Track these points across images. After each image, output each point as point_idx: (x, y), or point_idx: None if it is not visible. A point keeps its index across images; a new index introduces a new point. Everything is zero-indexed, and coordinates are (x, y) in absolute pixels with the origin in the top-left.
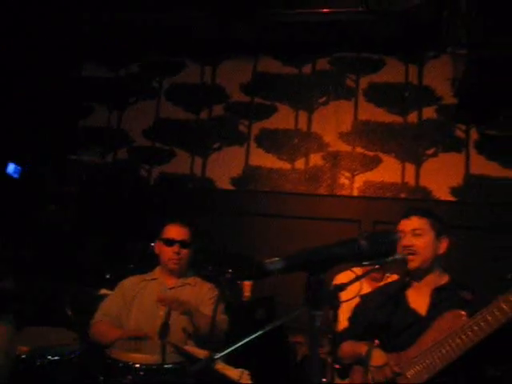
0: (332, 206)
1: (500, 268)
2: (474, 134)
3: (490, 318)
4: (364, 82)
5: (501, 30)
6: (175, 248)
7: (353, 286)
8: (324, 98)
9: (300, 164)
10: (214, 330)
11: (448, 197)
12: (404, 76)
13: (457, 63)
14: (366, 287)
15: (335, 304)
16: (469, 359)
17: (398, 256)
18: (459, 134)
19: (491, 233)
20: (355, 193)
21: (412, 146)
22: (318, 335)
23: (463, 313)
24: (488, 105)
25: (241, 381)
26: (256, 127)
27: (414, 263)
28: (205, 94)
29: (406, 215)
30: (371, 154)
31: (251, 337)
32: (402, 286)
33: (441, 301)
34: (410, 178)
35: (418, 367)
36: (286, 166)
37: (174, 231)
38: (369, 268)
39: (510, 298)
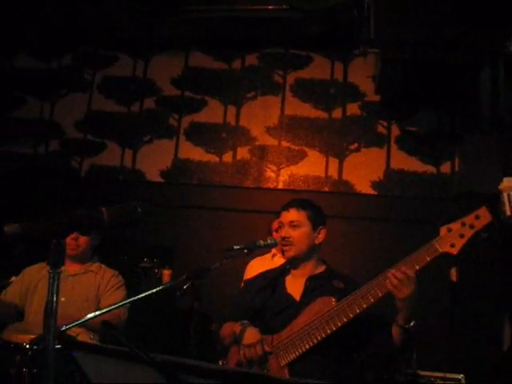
0: (258, 198)
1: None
2: (395, 130)
3: (354, 304)
4: (291, 77)
5: (409, 32)
6: (73, 234)
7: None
8: (252, 93)
9: (228, 157)
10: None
11: (369, 190)
12: (330, 73)
13: (378, 61)
14: None
15: (195, 283)
16: (335, 342)
17: (269, 241)
18: (381, 129)
19: (408, 225)
20: (280, 186)
21: (336, 140)
22: (57, 292)
23: (333, 299)
24: (408, 102)
25: None
26: (186, 121)
27: (289, 253)
28: (136, 87)
29: (286, 207)
30: (296, 148)
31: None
32: (281, 272)
33: (314, 288)
34: (333, 172)
35: (288, 347)
36: (214, 159)
37: None
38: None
39: (374, 286)
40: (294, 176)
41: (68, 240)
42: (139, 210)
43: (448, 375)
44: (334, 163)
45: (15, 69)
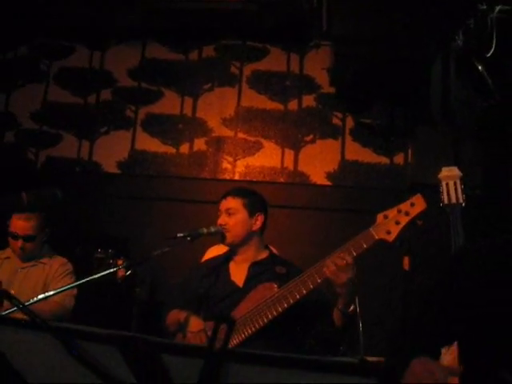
0: (215, 189)
1: None
2: (349, 122)
3: (294, 290)
4: (248, 69)
5: (361, 26)
6: (19, 243)
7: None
8: (209, 85)
9: (184, 148)
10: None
11: (324, 181)
12: (286, 65)
13: (332, 54)
14: None
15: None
16: (279, 326)
17: (212, 229)
18: (336, 121)
19: (362, 215)
20: (237, 177)
21: (292, 132)
22: None
23: (274, 285)
24: (362, 94)
25: None
26: (142, 112)
27: (227, 239)
28: (93, 78)
29: (224, 196)
30: (253, 139)
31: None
32: (225, 260)
33: (257, 274)
34: (288, 163)
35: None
36: (171, 150)
37: (18, 226)
38: None
39: (313, 272)
40: (250, 167)
41: (15, 247)
42: (59, 195)
43: None
44: (289, 154)
45: None
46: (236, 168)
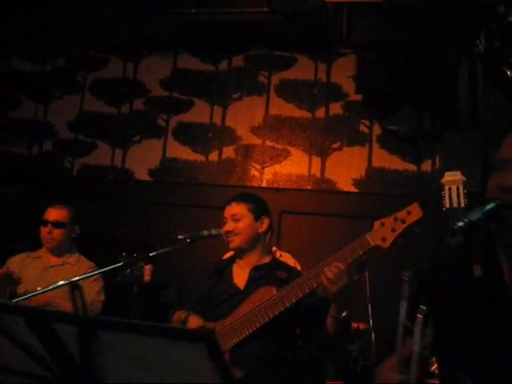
0: None
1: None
2: (376, 129)
3: (291, 294)
4: (275, 78)
5: (382, 33)
6: (47, 228)
7: None
8: (238, 94)
9: (214, 156)
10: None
11: (351, 188)
12: (313, 73)
13: (356, 61)
14: None
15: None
16: (276, 328)
17: (213, 232)
18: (363, 129)
19: None
20: (264, 184)
21: (319, 140)
22: None
23: (274, 288)
24: (388, 101)
25: None
26: (173, 121)
27: (233, 244)
28: (126, 88)
29: (228, 202)
30: (280, 147)
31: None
32: (229, 262)
33: (258, 278)
34: (316, 171)
35: (229, 334)
36: (201, 158)
37: (49, 213)
38: None
39: (310, 277)
40: (278, 174)
41: (43, 233)
42: (20, 193)
43: None
44: (316, 162)
45: (12, 71)
46: (264, 175)
